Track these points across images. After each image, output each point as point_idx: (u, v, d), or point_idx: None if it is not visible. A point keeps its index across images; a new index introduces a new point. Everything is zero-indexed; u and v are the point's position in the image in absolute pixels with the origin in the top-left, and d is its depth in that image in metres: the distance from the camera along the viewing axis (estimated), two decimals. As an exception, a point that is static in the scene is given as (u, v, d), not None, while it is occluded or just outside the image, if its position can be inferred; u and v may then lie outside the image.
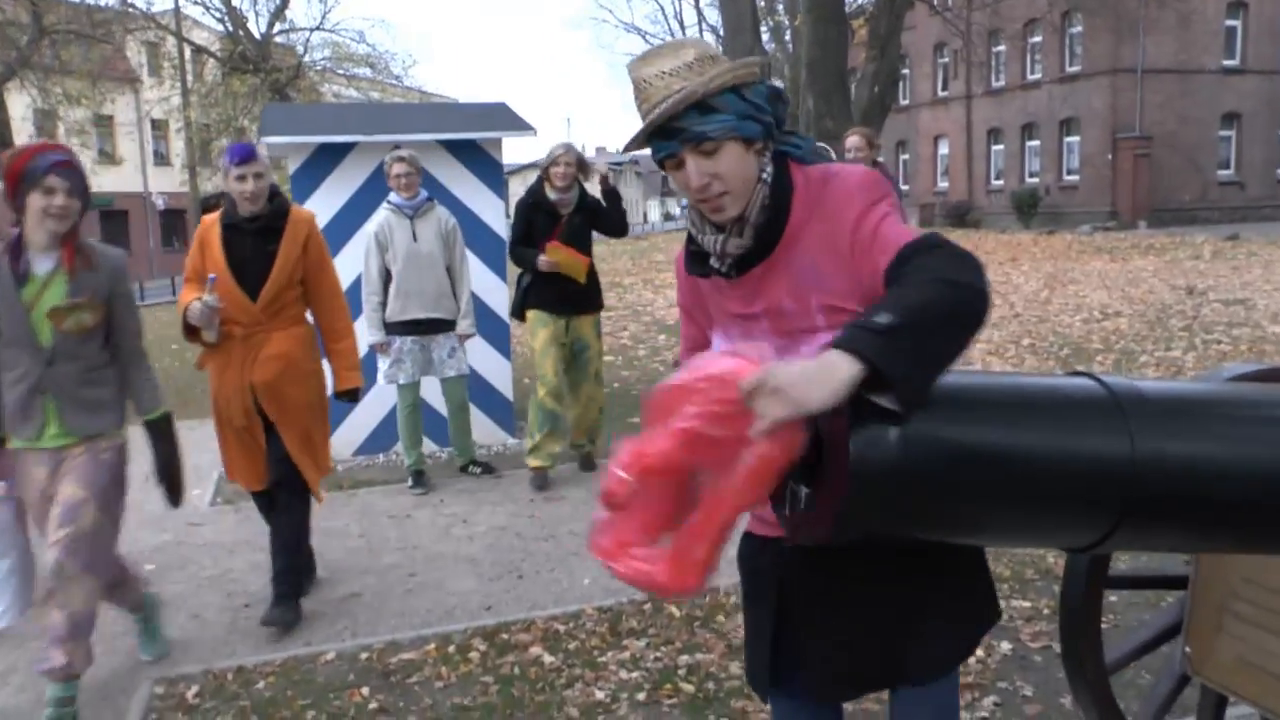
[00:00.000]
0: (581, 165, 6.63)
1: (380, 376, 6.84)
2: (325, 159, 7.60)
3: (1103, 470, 1.85)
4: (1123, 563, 4.66)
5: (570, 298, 6.64)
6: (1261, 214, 34.65)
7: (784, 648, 2.07)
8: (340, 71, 32.01)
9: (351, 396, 4.88)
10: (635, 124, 1.94)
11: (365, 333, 6.79)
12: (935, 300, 1.64)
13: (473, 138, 7.82)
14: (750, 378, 1.59)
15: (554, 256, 6.49)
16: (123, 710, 3.98)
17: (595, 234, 6.85)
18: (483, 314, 7.47)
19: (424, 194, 6.73)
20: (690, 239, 2.04)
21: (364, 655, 4.33)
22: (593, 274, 6.76)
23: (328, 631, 4.65)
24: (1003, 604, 4.38)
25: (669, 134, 1.85)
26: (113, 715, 3.95)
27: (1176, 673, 2.92)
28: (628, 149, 1.97)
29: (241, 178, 4.50)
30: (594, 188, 6.90)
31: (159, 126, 43.49)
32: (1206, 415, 2.04)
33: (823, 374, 1.55)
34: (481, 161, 7.85)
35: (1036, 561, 5.02)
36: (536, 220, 6.61)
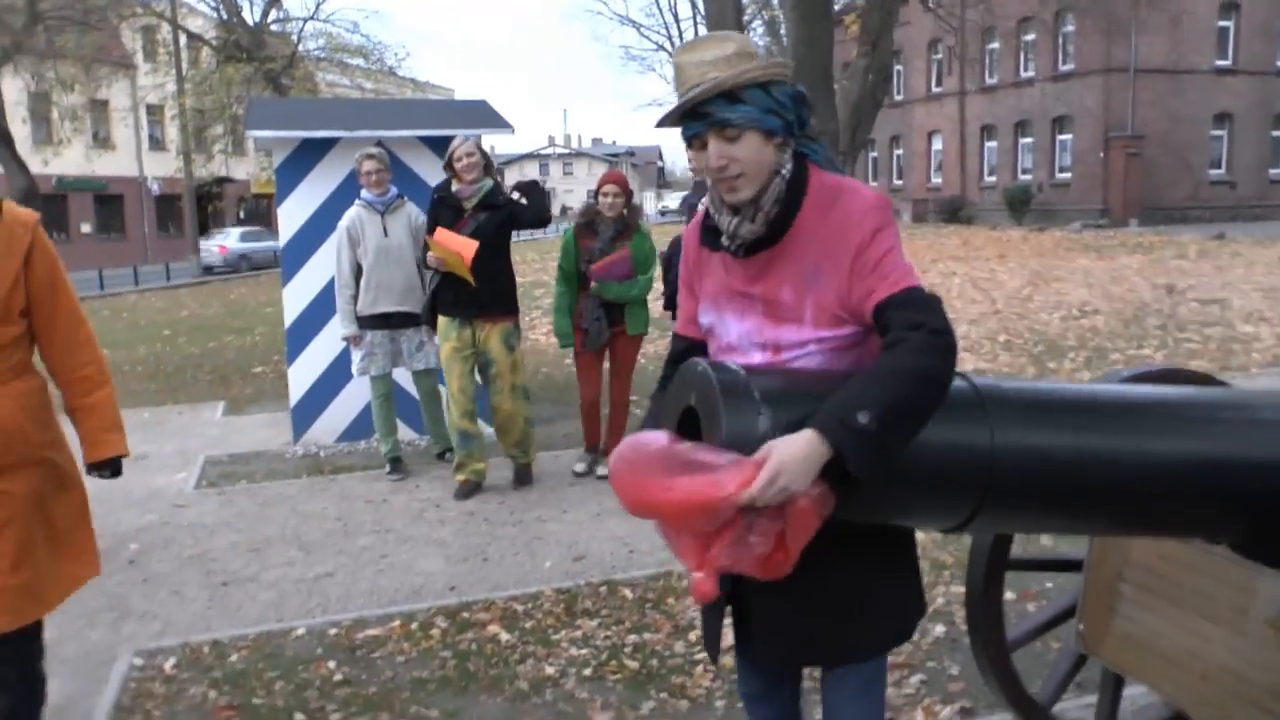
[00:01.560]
0: (485, 157, 6.38)
1: (354, 369, 7.07)
2: (309, 154, 7.80)
3: (964, 459, 2.08)
4: (1042, 544, 4.88)
5: (473, 298, 6.28)
6: (1252, 214, 34.91)
7: (742, 619, 2.30)
8: (334, 60, 32.11)
9: (111, 469, 3.33)
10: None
11: (338, 325, 7.03)
12: (909, 400, 1.89)
13: (452, 134, 8.00)
14: (751, 490, 1.80)
15: (435, 250, 6.19)
16: (103, 680, 4.19)
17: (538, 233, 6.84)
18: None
19: (394, 190, 6.97)
20: (708, 215, 2.25)
21: (332, 631, 4.55)
22: (506, 277, 6.48)
23: (300, 608, 4.86)
24: (943, 589, 4.65)
25: (699, 116, 2.07)
26: (94, 684, 4.15)
27: (1074, 651, 3.15)
28: (660, 125, 2.20)
29: None
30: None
31: (154, 112, 43.57)
32: (1066, 411, 2.27)
33: (808, 465, 1.84)
34: (462, 157, 8.04)
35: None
36: (441, 216, 6.38)
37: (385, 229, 6.84)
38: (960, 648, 4.12)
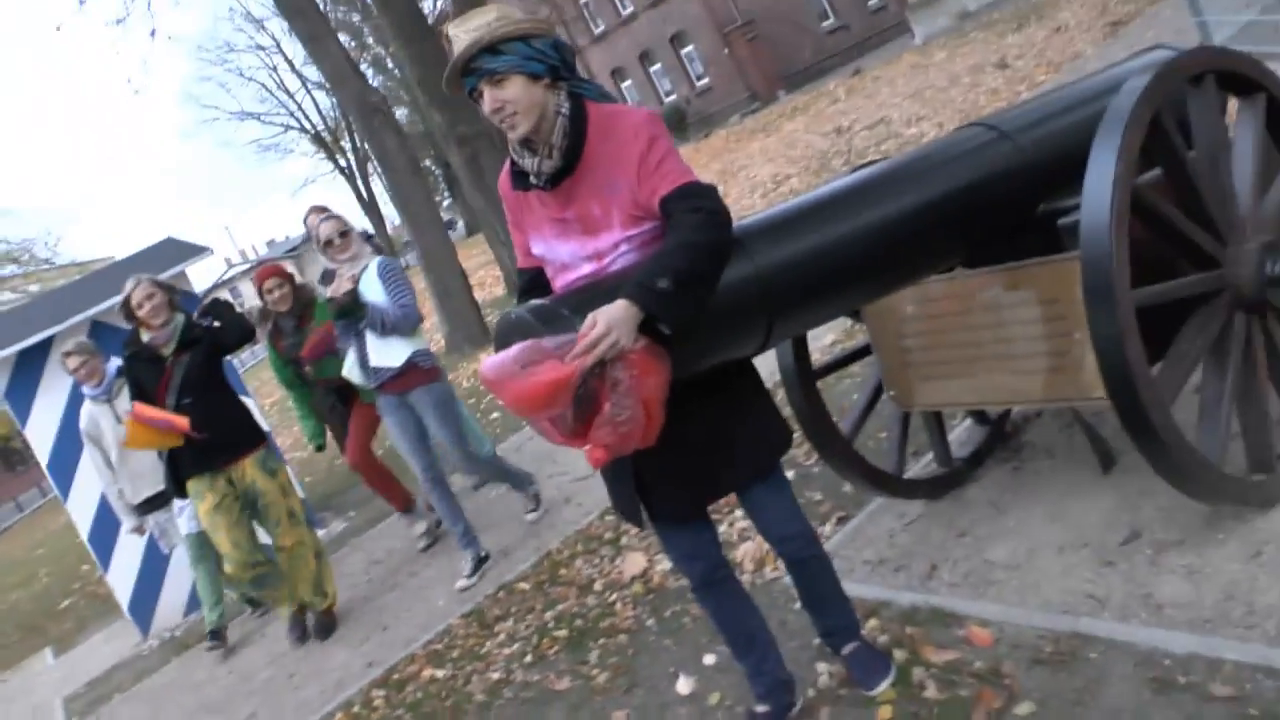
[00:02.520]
0: (168, 291, 5.58)
1: (162, 547, 6.98)
2: (30, 365, 7.59)
3: (741, 294, 2.49)
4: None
5: (213, 445, 5.47)
6: (873, 44, 37.59)
7: (646, 486, 2.71)
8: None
9: None
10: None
11: (123, 523, 6.82)
12: (697, 265, 2.34)
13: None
14: (587, 340, 2.18)
15: (134, 438, 5.40)
16: None
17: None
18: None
19: (111, 372, 6.45)
20: (513, 163, 2.63)
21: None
22: (237, 408, 5.77)
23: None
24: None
25: (471, 73, 2.47)
26: None
27: (897, 415, 3.65)
28: (446, 88, 2.55)
29: None
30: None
31: None
32: (803, 218, 2.72)
33: (628, 323, 2.25)
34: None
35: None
36: (140, 374, 5.51)
37: (118, 416, 6.38)
38: (812, 478, 4.60)
